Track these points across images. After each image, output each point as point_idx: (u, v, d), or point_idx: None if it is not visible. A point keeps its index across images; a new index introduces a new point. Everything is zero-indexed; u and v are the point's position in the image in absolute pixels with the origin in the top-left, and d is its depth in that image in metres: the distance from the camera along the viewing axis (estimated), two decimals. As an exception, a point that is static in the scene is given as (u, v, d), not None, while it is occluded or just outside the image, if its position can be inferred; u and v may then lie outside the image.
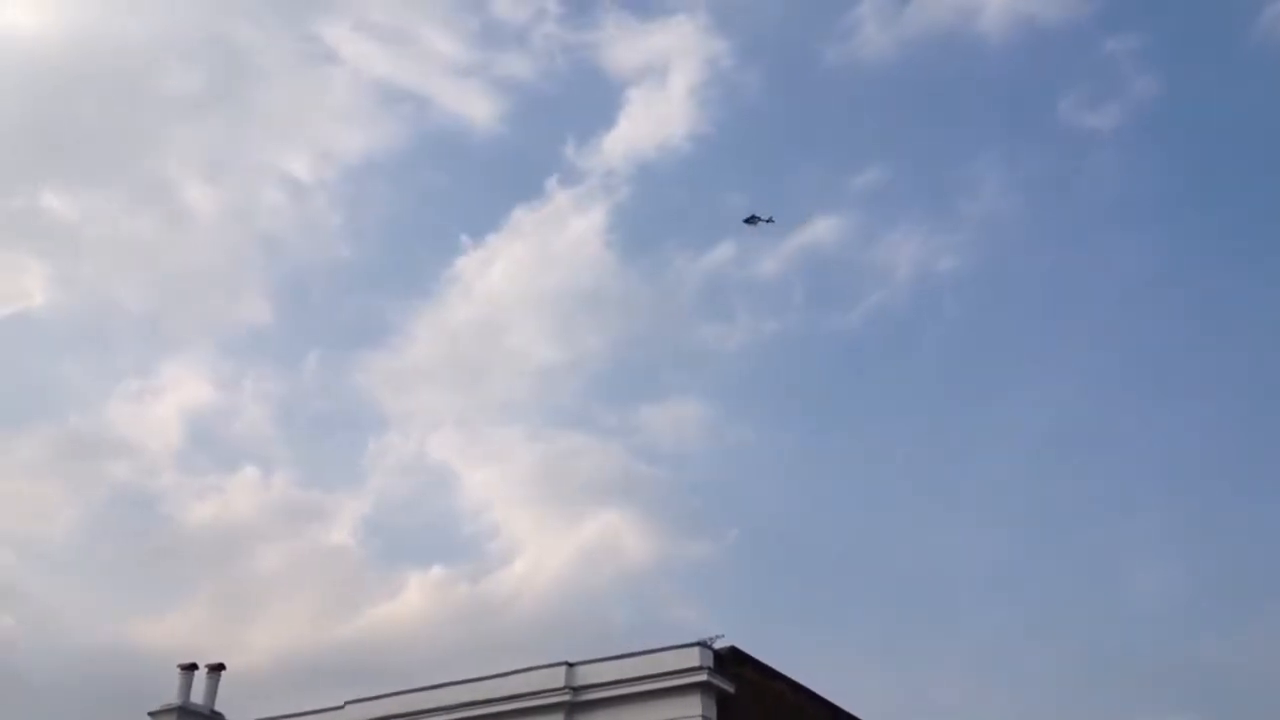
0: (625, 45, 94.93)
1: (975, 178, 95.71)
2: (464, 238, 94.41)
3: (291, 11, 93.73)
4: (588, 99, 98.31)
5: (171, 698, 32.70)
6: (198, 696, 32.97)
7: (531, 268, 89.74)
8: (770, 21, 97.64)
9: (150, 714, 32.53)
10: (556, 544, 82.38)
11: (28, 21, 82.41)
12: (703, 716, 26.24)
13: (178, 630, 67.63)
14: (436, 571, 79.02)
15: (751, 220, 50.45)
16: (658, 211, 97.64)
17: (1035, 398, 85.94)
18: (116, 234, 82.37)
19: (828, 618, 71.77)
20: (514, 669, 29.00)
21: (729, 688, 27.05)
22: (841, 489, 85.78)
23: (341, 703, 30.76)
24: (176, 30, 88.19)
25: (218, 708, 33.26)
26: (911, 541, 78.70)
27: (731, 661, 27.61)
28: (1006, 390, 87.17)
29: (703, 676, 26.68)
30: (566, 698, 27.77)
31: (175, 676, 33.27)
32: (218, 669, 33.64)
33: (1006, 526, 78.01)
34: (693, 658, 26.99)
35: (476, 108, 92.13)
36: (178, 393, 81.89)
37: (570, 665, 28.20)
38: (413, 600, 77.38)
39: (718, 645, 27.53)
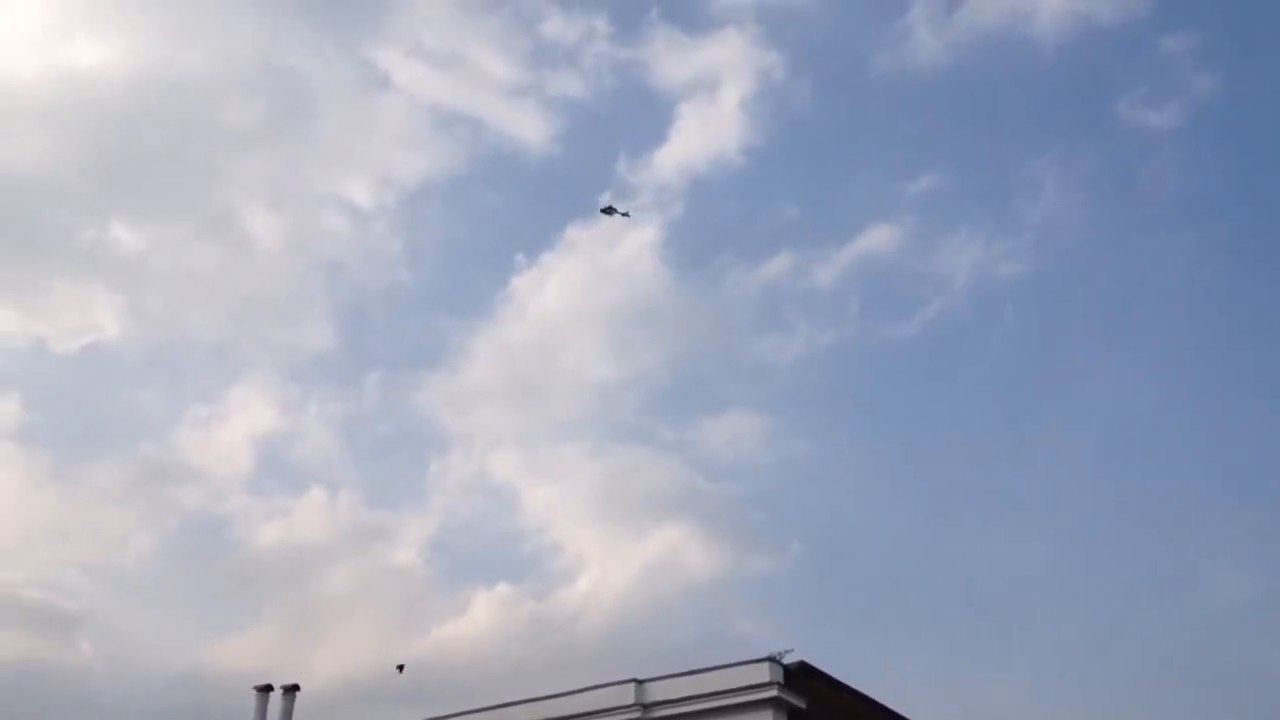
0: (675, 60, 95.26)
1: (1033, 181, 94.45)
2: (519, 257, 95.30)
3: (346, 39, 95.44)
4: (639, 115, 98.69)
5: (248, 720, 33.23)
6: (273, 718, 33.46)
7: (587, 285, 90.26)
8: (820, 31, 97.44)
9: (229, 737, 33.11)
10: (620, 560, 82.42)
11: (92, 60, 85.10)
12: (774, 732, 26.19)
13: (250, 653, 68.61)
14: (502, 589, 79.31)
15: (608, 211, 51.28)
16: (711, 225, 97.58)
17: (1098, 404, 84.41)
18: (183, 264, 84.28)
19: (893, 629, 70.94)
20: (583, 686, 29.08)
21: (800, 703, 26.92)
22: (903, 499, 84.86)
23: (413, 723, 31.06)
24: (235, 63, 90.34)
25: (292, 729, 33.73)
26: (975, 551, 77.66)
27: (801, 676, 27.47)
28: (1069, 397, 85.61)
29: (773, 692, 26.58)
30: (637, 715, 27.81)
31: (251, 699, 33.79)
32: (292, 690, 34.11)
33: (1072, 534, 76.57)
34: (763, 673, 26.90)
35: (529, 128, 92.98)
36: (245, 418, 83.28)
37: (639, 682, 28.23)
38: (479, 619, 77.89)
39: (787, 660, 27.41)
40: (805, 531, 77.11)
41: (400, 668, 29.09)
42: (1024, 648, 68.72)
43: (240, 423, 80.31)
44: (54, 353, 77.73)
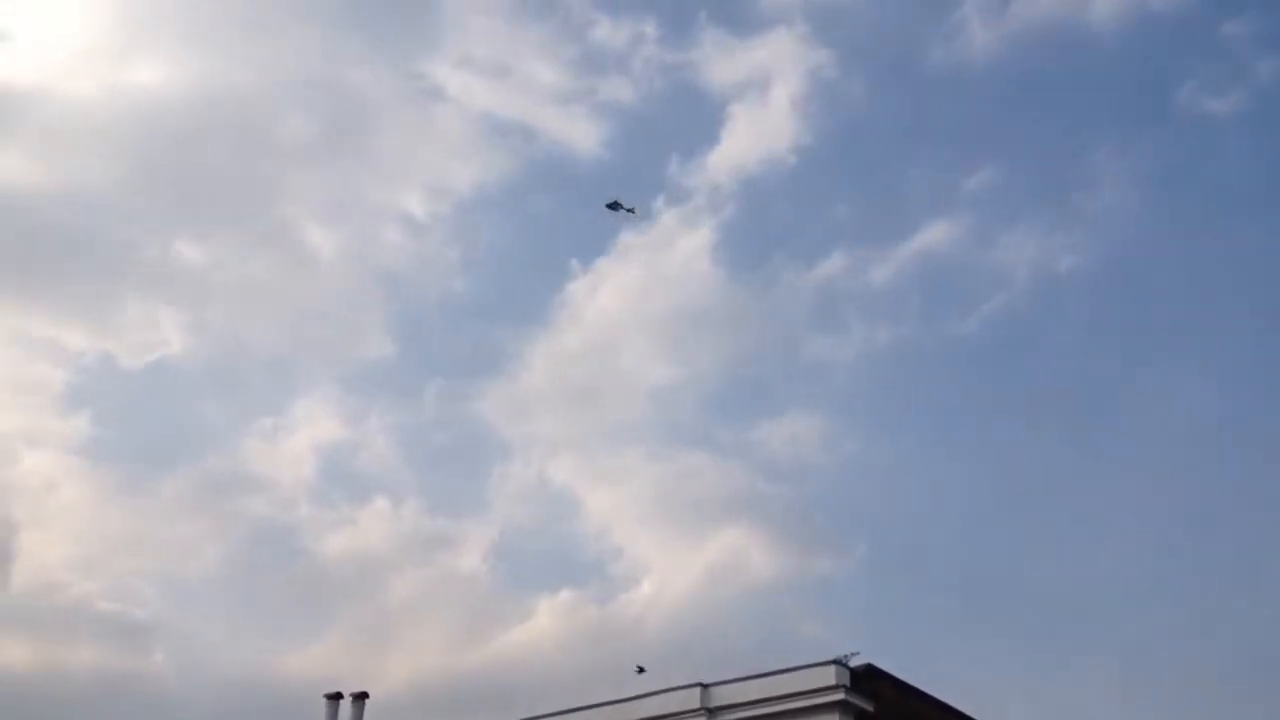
0: (725, 62, 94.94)
1: (1093, 172, 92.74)
2: (574, 263, 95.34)
3: (397, 52, 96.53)
4: (690, 118, 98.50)
5: (320, 727, 33.70)
6: (344, 725, 33.91)
7: (641, 289, 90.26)
8: (871, 27, 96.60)
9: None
10: (681, 564, 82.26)
11: (151, 79, 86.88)
12: (842, 736, 25.99)
13: (319, 661, 69.45)
14: (565, 595, 79.53)
15: (614, 206, 51.19)
16: (765, 226, 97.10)
17: (1172, 395, 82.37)
18: (244, 278, 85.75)
19: (963, 631, 69.98)
20: (649, 691, 29.10)
21: (867, 706, 26.68)
22: (968, 498, 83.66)
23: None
24: (291, 78, 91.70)
25: (362, 735, 34.15)
26: (1049, 549, 76.24)
27: (868, 679, 27.23)
28: (1140, 390, 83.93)
29: (840, 695, 26.38)
30: (703, 719, 27.74)
31: (321, 707, 34.25)
32: (362, 698, 34.55)
33: (1153, 528, 74.68)
34: (829, 676, 26.71)
35: (581, 134, 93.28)
36: (308, 429, 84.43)
37: (705, 686, 28.17)
38: (543, 624, 78.15)
39: (853, 663, 27.19)
40: (869, 533, 76.47)
41: (640, 669, 29.09)
42: (1109, 644, 67.37)
43: (304, 434, 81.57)
44: (122, 369, 79.64)
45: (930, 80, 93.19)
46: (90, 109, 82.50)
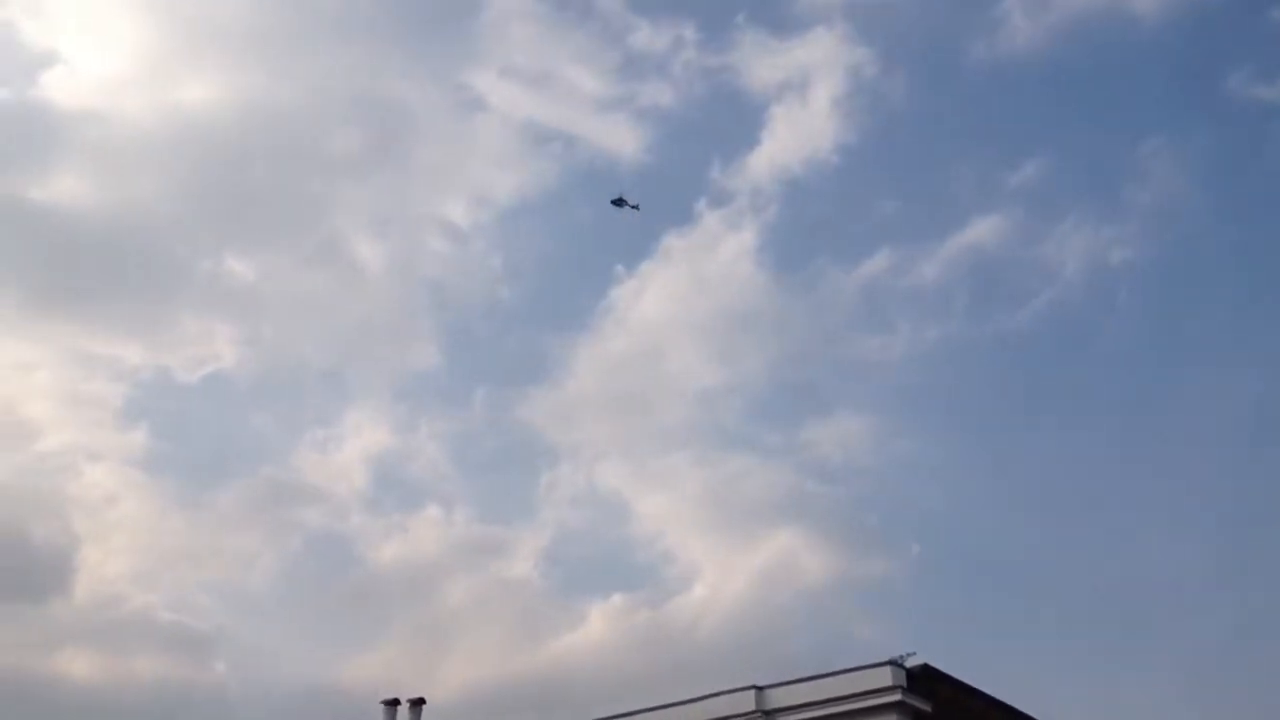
0: (764, 63, 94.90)
1: (1143, 163, 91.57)
2: (618, 268, 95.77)
3: (440, 64, 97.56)
4: (730, 120, 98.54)
5: (377, 733, 33.94)
6: (401, 731, 34.14)
7: (686, 292, 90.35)
8: (911, 24, 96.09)
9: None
10: (733, 567, 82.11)
11: (201, 98, 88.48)
12: (899, 737, 25.80)
13: (376, 667, 70.14)
14: (617, 600, 79.72)
15: (619, 203, 51.58)
16: (808, 226, 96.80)
17: (1228, 389, 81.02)
18: (294, 292, 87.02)
19: (1022, 630, 69.13)
20: (703, 694, 29.04)
21: (925, 706, 26.46)
22: (1024, 496, 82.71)
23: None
24: (336, 93, 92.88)
25: (421, 741, 34.35)
26: (1106, 546, 75.24)
27: (925, 680, 27.02)
28: (1196, 384, 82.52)
29: (897, 696, 26.21)
30: (758, 722, 27.67)
31: (380, 713, 34.54)
32: (419, 704, 34.77)
33: (1209, 525, 73.53)
34: (885, 677, 26.54)
35: (622, 139, 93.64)
36: (359, 439, 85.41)
37: (759, 689, 28.09)
38: (595, 629, 78.36)
39: (910, 664, 27.01)
40: (922, 532, 75.92)
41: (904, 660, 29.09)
42: (1167, 643, 66.31)
43: (355, 443, 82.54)
44: (178, 383, 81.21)
45: (973, 75, 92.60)
46: (142, 128, 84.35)
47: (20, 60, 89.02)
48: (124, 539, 75.18)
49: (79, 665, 69.55)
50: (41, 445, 75.35)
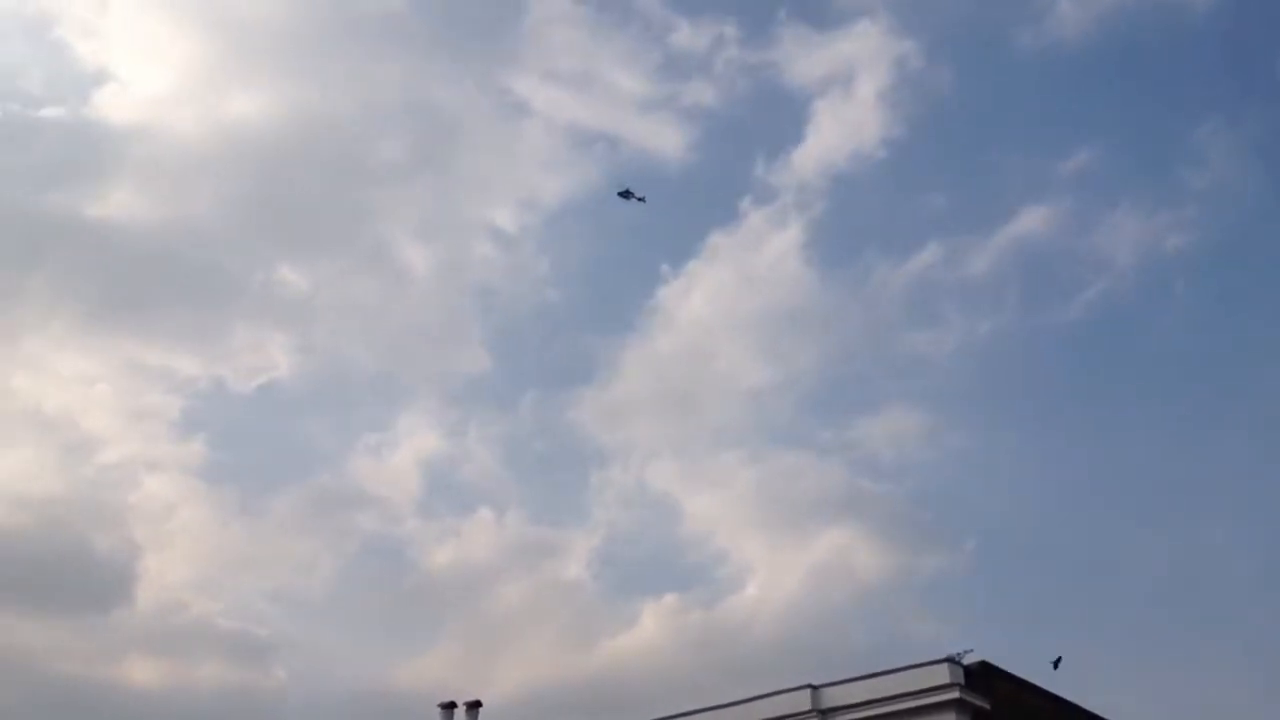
0: (807, 58, 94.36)
1: (1197, 147, 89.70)
2: (664, 267, 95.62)
3: (483, 69, 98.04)
4: (774, 117, 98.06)
5: (434, 736, 34.22)
6: (458, 733, 34.40)
7: (733, 291, 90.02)
8: (957, 14, 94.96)
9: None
10: (786, 566, 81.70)
11: (251, 109, 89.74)
12: (958, 735, 25.54)
13: (433, 670, 70.60)
14: (669, 600, 79.64)
15: (625, 195, 51.70)
16: (855, 221, 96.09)
17: (1290, 376, 79.35)
18: (345, 300, 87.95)
19: (1082, 626, 67.93)
20: (759, 694, 28.94)
21: (983, 704, 26.16)
22: (1081, 488, 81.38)
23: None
24: (381, 101, 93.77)
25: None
26: (1167, 538, 73.93)
27: (983, 677, 26.73)
28: (1256, 373, 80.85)
29: (955, 694, 25.94)
30: (815, 721, 27.52)
31: (436, 716, 34.82)
32: (475, 706, 35.03)
33: (1276, 519, 72.02)
34: (942, 675, 26.28)
35: (665, 139, 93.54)
36: (411, 443, 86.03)
37: (815, 688, 27.92)
38: (648, 630, 78.34)
39: (967, 661, 26.75)
40: (978, 528, 74.92)
41: (1056, 662, 29.19)
42: (1237, 636, 64.93)
43: (407, 448, 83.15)
44: (233, 393, 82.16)
45: (1020, 63, 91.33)
46: (192, 142, 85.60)
47: (73, 79, 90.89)
48: (184, 548, 76.33)
49: (142, 673, 70.83)
50: (102, 457, 76.87)
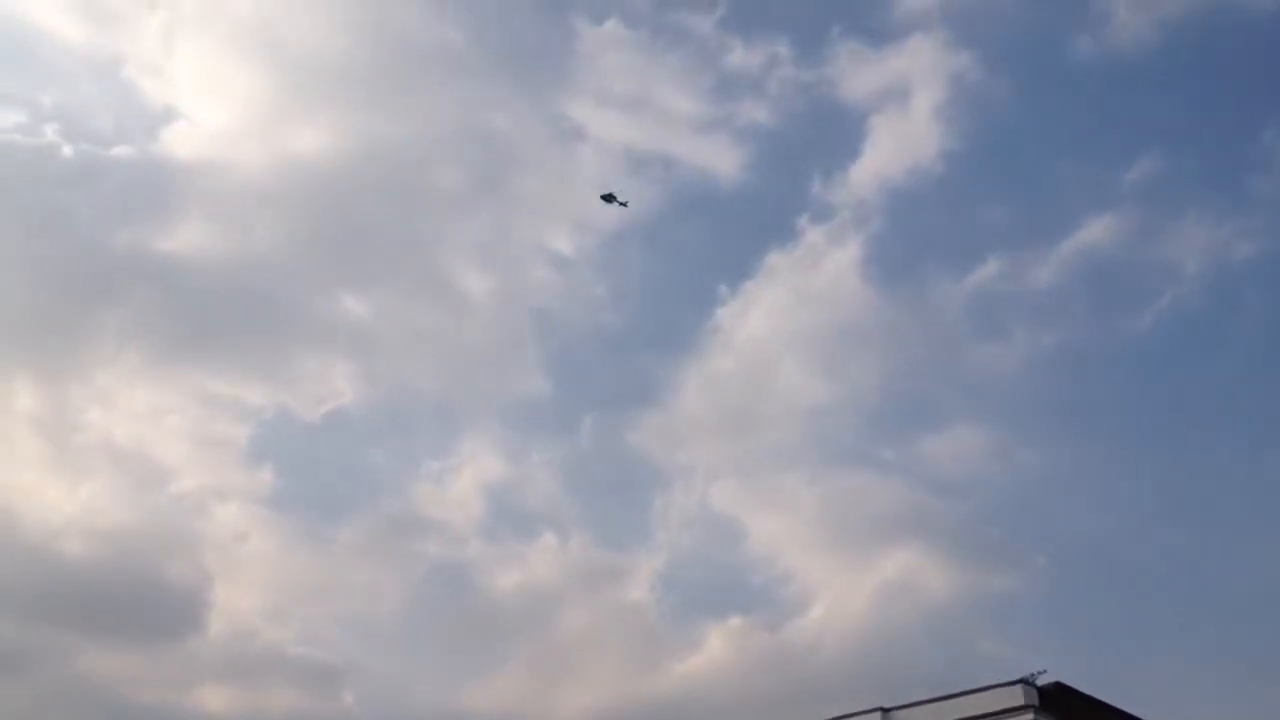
0: (861, 75, 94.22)
1: (1263, 153, 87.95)
2: (722, 288, 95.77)
3: (538, 96, 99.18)
4: (830, 134, 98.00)
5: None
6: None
7: (791, 309, 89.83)
8: (1013, 25, 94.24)
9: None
10: (852, 586, 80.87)
11: (312, 142, 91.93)
12: (1033, 757, 25.08)
13: (499, 694, 70.93)
14: (734, 622, 79.13)
15: (608, 198, 51.80)
16: (914, 236, 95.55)
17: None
18: (406, 327, 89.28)
19: (1160, 642, 66.56)
20: (829, 717, 28.65)
21: (1059, 726, 25.69)
22: (1155, 504, 79.71)
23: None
24: (439, 131, 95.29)
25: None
26: (1245, 554, 71.98)
27: (1058, 698, 26.26)
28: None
29: (1029, 716, 25.55)
30: (886, 744, 27.18)
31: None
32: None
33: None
34: (1016, 696, 25.87)
35: (720, 160, 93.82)
36: (474, 468, 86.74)
37: (885, 710, 27.61)
38: (714, 652, 77.91)
39: (1041, 682, 26.33)
40: (1048, 545, 73.67)
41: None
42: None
43: (470, 473, 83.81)
44: (299, 421, 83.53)
45: (1079, 73, 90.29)
46: (256, 176, 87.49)
47: (142, 118, 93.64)
48: (254, 576, 77.54)
49: (216, 700, 71.79)
50: (174, 487, 78.34)
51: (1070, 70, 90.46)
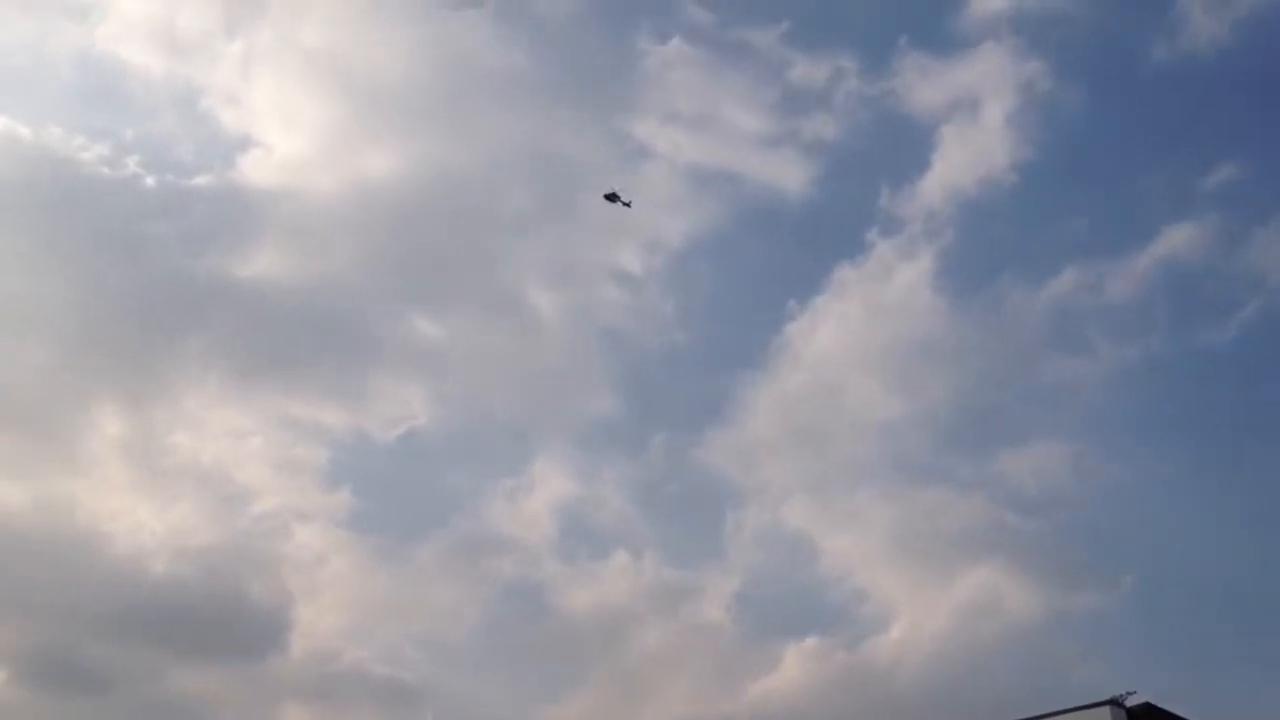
0: (929, 86, 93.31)
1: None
2: (791, 304, 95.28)
3: (604, 116, 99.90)
4: (898, 146, 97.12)
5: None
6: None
7: (862, 324, 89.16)
8: (1084, 32, 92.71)
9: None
10: (931, 605, 79.50)
11: (385, 167, 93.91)
12: (1125, 781, 24.36)
13: (576, 713, 70.94)
14: (811, 642, 78.27)
15: (611, 198, 51.12)
16: (987, 248, 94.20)
17: None
18: (478, 348, 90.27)
19: (1255, 660, 64.29)
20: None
21: (1150, 749, 24.92)
22: (1244, 518, 77.13)
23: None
24: (507, 153, 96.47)
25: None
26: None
27: (1147, 718, 25.51)
28: None
29: (1119, 738, 24.81)
30: (970, 767, 26.62)
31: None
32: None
33: None
34: (1104, 718, 25.20)
35: (787, 175, 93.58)
36: (546, 488, 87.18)
37: (969, 732, 27.09)
38: (791, 672, 77.05)
39: (1130, 702, 25.67)
40: (1135, 562, 71.91)
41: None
42: None
43: (543, 492, 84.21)
44: (376, 443, 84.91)
45: (1154, 79, 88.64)
46: (330, 201, 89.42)
47: (220, 147, 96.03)
48: (334, 596, 78.64)
49: (297, 718, 72.89)
50: (256, 508, 79.84)
51: (1145, 76, 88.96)
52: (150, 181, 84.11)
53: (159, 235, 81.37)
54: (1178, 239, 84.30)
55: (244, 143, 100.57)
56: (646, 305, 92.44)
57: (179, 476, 77.40)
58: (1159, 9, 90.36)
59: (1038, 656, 68.54)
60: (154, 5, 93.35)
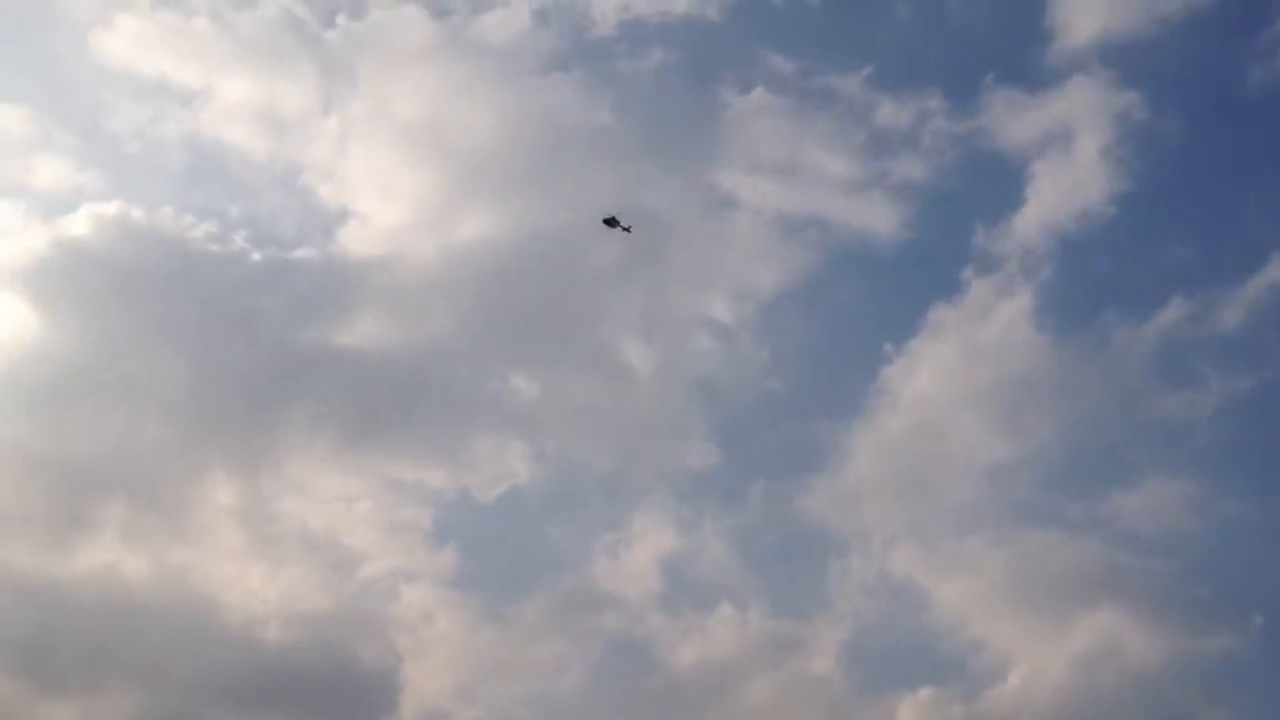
0: (1019, 121, 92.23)
1: None
2: (886, 347, 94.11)
3: (689, 168, 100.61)
4: (990, 184, 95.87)
5: None
6: None
7: (960, 364, 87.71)
8: (1177, 60, 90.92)
9: None
10: (1049, 653, 77.01)
11: (477, 230, 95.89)
12: None
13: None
14: (925, 694, 76.32)
15: (610, 223, 50.40)
16: (1088, 283, 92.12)
17: None
18: (574, 403, 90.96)
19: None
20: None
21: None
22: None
23: None
24: (596, 208, 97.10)
25: None
26: None
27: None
28: None
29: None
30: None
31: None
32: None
33: None
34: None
35: (877, 218, 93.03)
36: (647, 541, 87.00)
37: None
38: (907, 727, 75.28)
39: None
40: (1264, 602, 69.15)
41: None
42: None
43: (644, 546, 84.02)
44: (478, 502, 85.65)
45: (1253, 103, 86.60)
46: (427, 266, 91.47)
47: (319, 220, 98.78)
48: (442, 656, 79.13)
49: (412, 782, 73.09)
50: (364, 571, 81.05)
51: (1242, 101, 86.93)
52: (256, 256, 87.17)
53: (264, 308, 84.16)
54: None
55: (342, 214, 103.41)
56: (740, 354, 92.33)
57: (288, 542, 79.19)
58: (1249, 33, 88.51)
59: (1165, 703, 66.34)
60: (254, 88, 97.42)
